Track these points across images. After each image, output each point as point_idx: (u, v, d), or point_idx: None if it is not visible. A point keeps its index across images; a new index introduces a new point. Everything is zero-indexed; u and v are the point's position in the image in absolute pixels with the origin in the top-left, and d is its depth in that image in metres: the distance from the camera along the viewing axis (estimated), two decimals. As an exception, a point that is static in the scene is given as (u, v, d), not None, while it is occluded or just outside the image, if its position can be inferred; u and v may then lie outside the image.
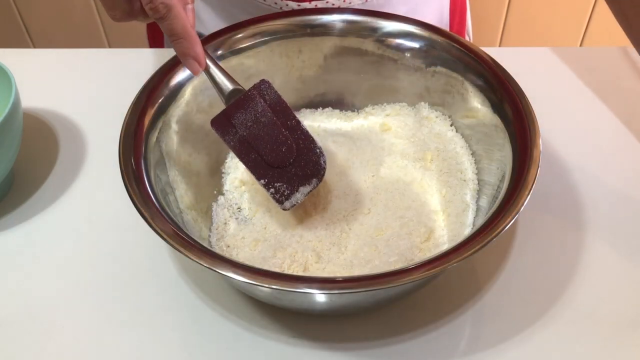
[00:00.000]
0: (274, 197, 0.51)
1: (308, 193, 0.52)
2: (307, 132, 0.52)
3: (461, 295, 0.52)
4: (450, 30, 0.78)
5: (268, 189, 0.51)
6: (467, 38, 0.86)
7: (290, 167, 0.51)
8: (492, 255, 0.55)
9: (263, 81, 0.51)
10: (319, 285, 0.42)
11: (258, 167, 0.51)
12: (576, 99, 0.70)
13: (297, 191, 0.51)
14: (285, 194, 0.51)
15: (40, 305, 0.53)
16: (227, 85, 0.51)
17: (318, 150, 0.52)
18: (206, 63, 0.50)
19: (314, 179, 0.52)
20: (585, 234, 0.57)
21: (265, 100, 0.51)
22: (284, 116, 0.51)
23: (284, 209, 0.52)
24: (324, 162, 0.52)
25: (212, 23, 0.75)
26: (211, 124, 0.51)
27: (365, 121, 0.64)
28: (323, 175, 0.52)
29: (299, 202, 0.52)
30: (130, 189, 0.47)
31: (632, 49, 0.75)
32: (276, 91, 0.51)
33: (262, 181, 0.51)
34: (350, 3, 0.69)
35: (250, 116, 0.50)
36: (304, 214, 0.55)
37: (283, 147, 0.51)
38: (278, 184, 0.51)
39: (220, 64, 0.57)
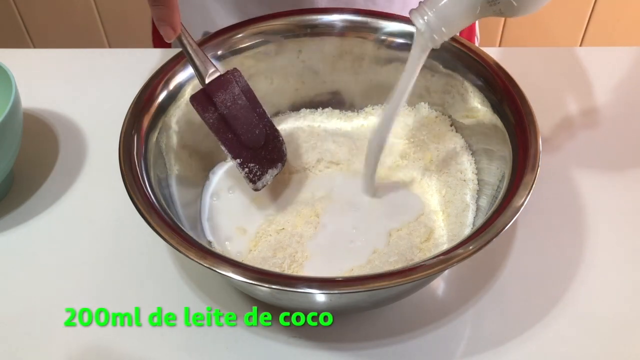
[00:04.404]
0: (247, 177, 0.53)
1: (275, 175, 0.55)
2: (271, 121, 0.55)
3: (461, 295, 0.52)
4: (459, 35, 0.77)
5: (242, 169, 0.53)
6: (475, 42, 0.86)
7: (261, 150, 0.54)
8: (492, 255, 0.55)
9: (235, 69, 0.53)
10: (319, 285, 0.42)
11: (234, 147, 0.53)
12: (576, 99, 0.70)
13: (266, 173, 0.54)
14: (258, 174, 0.54)
15: (40, 305, 0.53)
16: (205, 66, 0.52)
17: (281, 139, 0.55)
18: (186, 40, 0.50)
19: (279, 163, 0.55)
20: (585, 234, 0.57)
21: (239, 86, 0.53)
22: (253, 103, 0.54)
23: (256, 189, 0.54)
24: (285, 149, 0.55)
25: (221, 21, 0.74)
26: (190, 99, 0.52)
27: (365, 121, 0.64)
28: (285, 161, 0.56)
29: (268, 183, 0.54)
30: (130, 189, 0.47)
31: (633, 49, 0.75)
32: (246, 80, 0.54)
33: (238, 160, 0.53)
34: None
35: (229, 97, 0.52)
36: (304, 214, 0.55)
37: (256, 130, 0.53)
38: (251, 165, 0.53)
39: (219, 64, 0.58)
